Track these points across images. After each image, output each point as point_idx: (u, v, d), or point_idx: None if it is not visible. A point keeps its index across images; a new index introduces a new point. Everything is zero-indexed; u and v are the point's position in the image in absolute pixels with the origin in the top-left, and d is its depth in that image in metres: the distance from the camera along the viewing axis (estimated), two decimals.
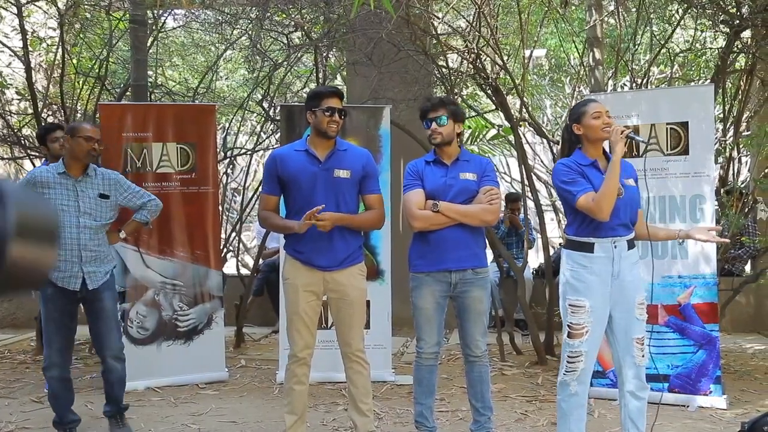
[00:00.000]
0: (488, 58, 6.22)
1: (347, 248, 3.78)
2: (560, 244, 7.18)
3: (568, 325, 3.50)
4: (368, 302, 4.35)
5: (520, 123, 6.68)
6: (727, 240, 3.55)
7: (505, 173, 10.67)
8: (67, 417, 4.21)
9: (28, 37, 6.49)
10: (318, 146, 3.79)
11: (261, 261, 7.33)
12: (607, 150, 3.53)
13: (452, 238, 3.81)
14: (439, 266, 3.82)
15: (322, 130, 3.74)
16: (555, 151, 7.08)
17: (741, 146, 6.85)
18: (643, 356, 3.54)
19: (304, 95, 8.76)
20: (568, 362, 3.50)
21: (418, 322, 3.92)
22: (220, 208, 6.26)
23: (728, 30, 5.66)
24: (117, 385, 4.26)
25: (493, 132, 9.35)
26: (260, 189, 3.96)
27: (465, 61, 6.04)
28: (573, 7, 8.09)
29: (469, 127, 9.16)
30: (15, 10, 6.44)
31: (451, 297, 3.89)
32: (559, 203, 7.66)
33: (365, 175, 3.85)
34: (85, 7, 7.08)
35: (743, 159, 7.89)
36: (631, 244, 3.52)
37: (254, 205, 7.42)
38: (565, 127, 3.71)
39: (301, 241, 3.74)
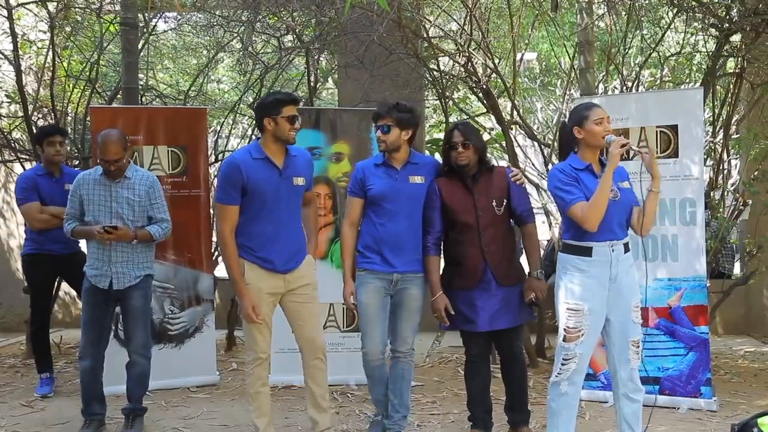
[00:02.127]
0: (479, 61, 6.23)
1: (299, 248, 3.93)
2: (550, 245, 7.19)
3: (564, 329, 3.52)
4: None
5: (512, 126, 6.68)
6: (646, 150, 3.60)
7: None
8: (89, 408, 4.36)
9: (18, 39, 6.46)
10: (275, 153, 3.82)
11: None
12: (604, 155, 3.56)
13: (396, 241, 3.99)
14: (384, 268, 4.00)
15: (284, 138, 3.78)
16: (546, 153, 7.09)
17: (731, 149, 6.88)
18: (637, 359, 3.56)
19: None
20: (561, 364, 3.52)
21: (362, 319, 4.07)
22: (211, 211, 6.23)
23: (718, 33, 5.69)
24: (136, 381, 4.37)
25: (484, 136, 9.36)
26: (216, 198, 3.85)
27: (456, 64, 6.05)
28: (564, 11, 8.11)
29: None
30: (5, 12, 6.41)
31: (390, 295, 4.04)
32: (550, 206, 7.67)
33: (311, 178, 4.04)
34: (76, 9, 7.05)
35: (733, 162, 7.93)
36: (626, 248, 3.55)
37: None
38: (562, 127, 3.72)
39: (262, 250, 3.80)
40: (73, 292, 7.93)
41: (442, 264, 4.14)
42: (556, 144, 7.16)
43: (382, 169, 4.05)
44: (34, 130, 6.61)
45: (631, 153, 3.61)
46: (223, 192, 3.77)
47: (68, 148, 6.28)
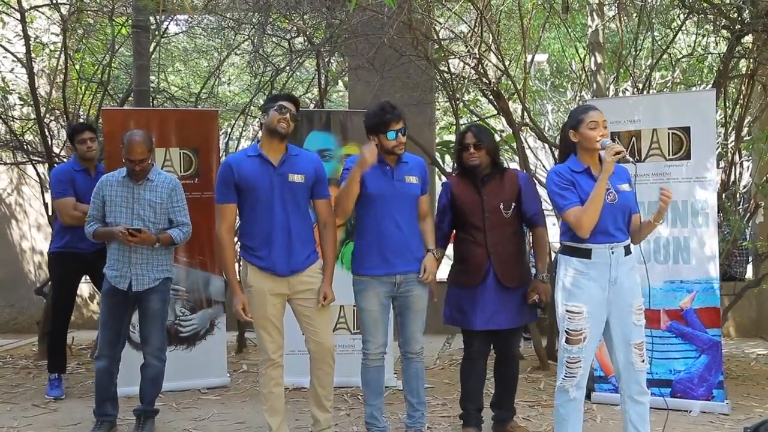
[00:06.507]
0: (490, 63, 6.23)
1: (305, 251, 3.90)
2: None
3: (566, 331, 3.51)
4: None
5: (522, 128, 6.68)
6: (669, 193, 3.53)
7: None
8: (101, 409, 4.38)
9: (30, 42, 6.51)
10: (270, 150, 3.85)
11: None
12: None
13: (397, 240, 3.92)
14: (386, 270, 3.92)
15: (272, 128, 3.80)
16: (557, 155, 7.07)
17: (743, 151, 6.84)
18: (642, 361, 3.54)
19: (307, 100, 8.82)
20: (567, 368, 3.50)
21: (364, 324, 4.02)
22: None
23: (730, 35, 5.67)
24: (150, 383, 4.39)
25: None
26: (215, 199, 3.93)
27: (467, 66, 6.05)
28: (574, 12, 8.09)
29: None
30: (18, 15, 6.45)
31: (392, 297, 4.00)
32: None
33: (317, 180, 3.95)
34: (88, 12, 7.09)
35: (745, 164, 7.89)
36: (627, 250, 3.53)
37: None
38: (563, 129, 3.72)
39: (261, 250, 3.82)
40: (86, 294, 7.99)
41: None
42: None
43: (378, 166, 3.94)
44: (47, 132, 6.67)
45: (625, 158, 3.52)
46: (217, 191, 3.91)
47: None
